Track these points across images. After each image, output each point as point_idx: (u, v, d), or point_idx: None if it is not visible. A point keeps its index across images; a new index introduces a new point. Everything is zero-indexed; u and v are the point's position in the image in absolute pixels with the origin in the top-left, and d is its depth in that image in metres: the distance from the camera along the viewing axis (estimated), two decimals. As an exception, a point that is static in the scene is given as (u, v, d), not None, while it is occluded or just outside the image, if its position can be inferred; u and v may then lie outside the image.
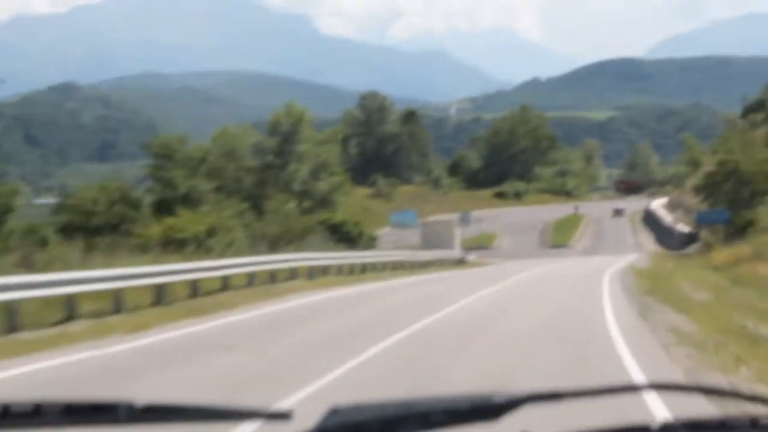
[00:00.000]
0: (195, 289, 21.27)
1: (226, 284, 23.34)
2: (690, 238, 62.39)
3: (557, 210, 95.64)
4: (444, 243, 54.95)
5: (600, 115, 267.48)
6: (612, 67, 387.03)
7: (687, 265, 39.57)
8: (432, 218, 67.90)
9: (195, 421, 1.63)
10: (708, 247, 54.51)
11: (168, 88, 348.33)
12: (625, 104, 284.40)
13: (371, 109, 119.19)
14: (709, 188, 56.55)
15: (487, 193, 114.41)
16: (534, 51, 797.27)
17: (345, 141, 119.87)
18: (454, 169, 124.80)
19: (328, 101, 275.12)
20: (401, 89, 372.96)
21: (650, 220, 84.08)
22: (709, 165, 63.38)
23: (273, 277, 26.76)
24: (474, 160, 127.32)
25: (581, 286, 26.70)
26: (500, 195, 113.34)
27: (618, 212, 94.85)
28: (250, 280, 24.94)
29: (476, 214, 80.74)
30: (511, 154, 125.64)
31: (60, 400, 1.57)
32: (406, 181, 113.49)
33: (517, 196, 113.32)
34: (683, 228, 66.71)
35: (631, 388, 1.81)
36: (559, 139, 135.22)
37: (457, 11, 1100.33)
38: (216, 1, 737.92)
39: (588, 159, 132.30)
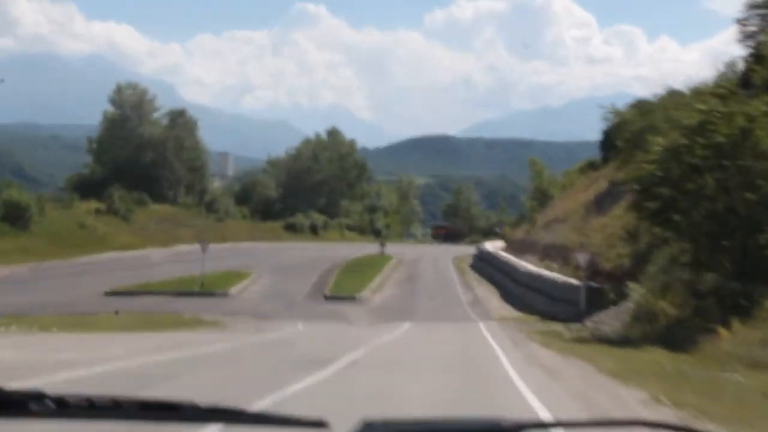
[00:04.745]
0: None
1: None
2: (594, 294, 26.98)
3: (360, 248, 58.75)
4: None
5: (417, 181, 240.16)
6: (428, 143, 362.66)
7: None
8: None
9: (242, 424, 1.54)
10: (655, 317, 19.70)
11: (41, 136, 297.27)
12: (439, 173, 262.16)
13: (128, 105, 76.39)
14: (683, 181, 18.90)
15: (278, 225, 75.31)
16: (364, 126, 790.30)
17: (100, 147, 78.72)
18: (244, 197, 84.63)
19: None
20: (249, 151, 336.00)
21: (488, 267, 47.58)
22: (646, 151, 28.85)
23: None
24: (270, 188, 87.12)
25: None
26: (291, 228, 74.75)
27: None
28: None
29: (245, 246, 53.30)
30: (313, 182, 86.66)
31: (133, 398, 1.48)
32: (170, 200, 72.37)
33: (314, 231, 74.68)
34: (559, 277, 31.52)
35: (632, 423, 1.71)
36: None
37: (300, 89, 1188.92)
38: (91, 64, 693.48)
39: (403, 196, 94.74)
